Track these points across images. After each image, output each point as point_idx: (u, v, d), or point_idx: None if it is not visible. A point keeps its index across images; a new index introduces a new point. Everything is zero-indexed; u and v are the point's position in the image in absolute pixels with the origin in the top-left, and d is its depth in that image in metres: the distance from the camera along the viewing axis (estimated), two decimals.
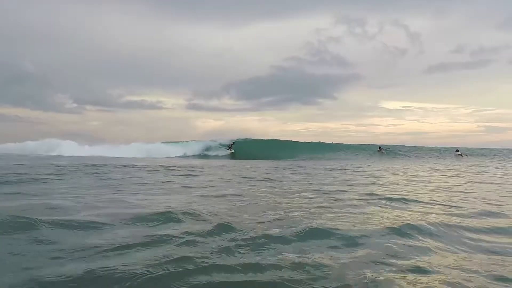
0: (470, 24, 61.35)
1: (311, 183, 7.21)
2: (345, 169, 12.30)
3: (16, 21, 48.75)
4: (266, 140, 30.14)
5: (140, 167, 10.25)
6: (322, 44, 60.09)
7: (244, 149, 26.75)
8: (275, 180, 7.91)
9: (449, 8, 60.55)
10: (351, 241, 2.77)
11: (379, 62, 60.92)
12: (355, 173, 10.32)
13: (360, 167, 13.82)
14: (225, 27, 62.93)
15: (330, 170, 11.47)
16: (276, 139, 30.45)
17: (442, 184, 7.89)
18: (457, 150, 29.48)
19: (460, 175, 10.69)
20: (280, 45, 67.71)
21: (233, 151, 26.69)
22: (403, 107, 57.44)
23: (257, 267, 2.11)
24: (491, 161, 22.63)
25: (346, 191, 5.83)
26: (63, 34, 55.51)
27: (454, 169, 14.29)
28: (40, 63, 51.90)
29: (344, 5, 64.29)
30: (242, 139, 29.20)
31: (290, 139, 30.83)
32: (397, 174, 10.71)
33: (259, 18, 65.39)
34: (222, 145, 27.55)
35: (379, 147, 29.20)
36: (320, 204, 4.43)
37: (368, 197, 5.12)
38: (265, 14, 65.93)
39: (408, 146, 32.60)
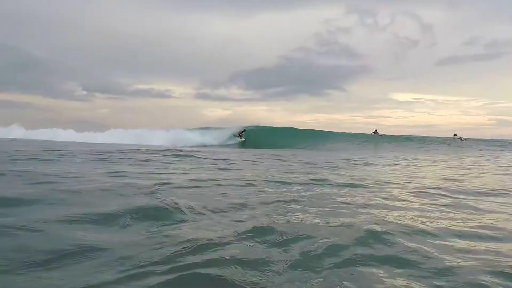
0: (484, 16, 58.77)
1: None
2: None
3: (25, 6, 50.35)
4: (279, 128, 30.54)
5: None
6: (331, 34, 59.50)
7: (253, 136, 27.50)
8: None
9: None
10: None
11: (390, 54, 60.05)
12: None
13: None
14: (234, 16, 63.65)
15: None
16: (290, 127, 30.89)
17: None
18: (455, 134, 30.11)
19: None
20: (288, 35, 67.66)
21: (243, 139, 27.13)
22: (413, 99, 56.57)
23: None
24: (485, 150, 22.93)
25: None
26: (72, 21, 57.20)
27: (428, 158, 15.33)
28: (50, 49, 54.14)
29: None
30: (252, 126, 29.76)
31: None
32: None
33: (268, 8, 65.68)
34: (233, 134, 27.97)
35: (375, 130, 29.70)
36: None
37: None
38: (274, 4, 66.69)
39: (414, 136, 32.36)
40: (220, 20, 63.67)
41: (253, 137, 27.06)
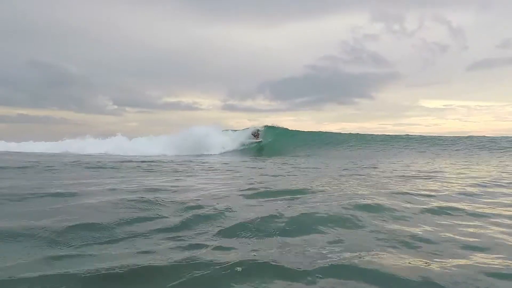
0: None
1: None
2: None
3: (59, 22, 51.88)
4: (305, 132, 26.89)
5: None
6: (358, 42, 58.11)
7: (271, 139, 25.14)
8: None
9: (494, 1, 53.74)
10: None
11: (419, 59, 57.54)
12: None
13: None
14: (260, 27, 63.47)
15: None
16: (315, 131, 26.97)
17: None
18: None
19: None
20: (315, 44, 66.84)
21: (260, 140, 24.83)
22: (444, 106, 53.95)
23: None
24: None
25: None
26: (105, 36, 58.26)
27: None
28: (84, 65, 56.19)
29: (382, 1, 60.49)
30: (268, 126, 26.82)
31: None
32: None
33: (294, 17, 64.71)
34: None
35: None
36: None
37: None
38: (300, 13, 65.06)
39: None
40: (247, 31, 62.88)
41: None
